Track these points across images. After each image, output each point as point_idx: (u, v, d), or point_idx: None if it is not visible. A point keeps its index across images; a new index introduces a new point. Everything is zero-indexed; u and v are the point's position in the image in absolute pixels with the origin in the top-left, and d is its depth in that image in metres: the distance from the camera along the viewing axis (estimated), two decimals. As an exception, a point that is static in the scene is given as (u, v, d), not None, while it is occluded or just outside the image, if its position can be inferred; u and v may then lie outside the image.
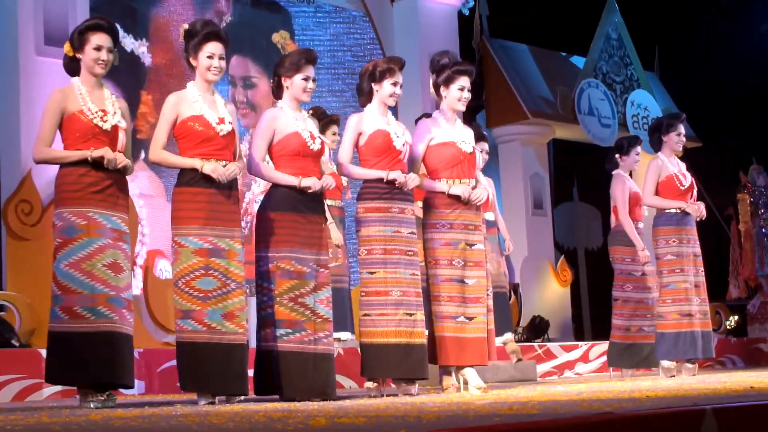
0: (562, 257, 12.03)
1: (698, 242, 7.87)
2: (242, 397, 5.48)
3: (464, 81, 6.27)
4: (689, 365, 7.81)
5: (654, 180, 7.83)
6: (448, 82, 6.27)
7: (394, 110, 6.38)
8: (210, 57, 5.50)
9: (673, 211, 7.78)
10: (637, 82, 13.19)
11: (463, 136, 6.29)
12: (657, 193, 7.84)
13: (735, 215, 13.05)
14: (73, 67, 5.42)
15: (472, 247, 6.20)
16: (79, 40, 5.35)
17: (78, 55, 5.37)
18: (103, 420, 3.92)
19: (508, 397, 5.04)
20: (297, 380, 5.52)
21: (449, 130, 6.25)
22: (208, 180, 5.39)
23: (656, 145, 8.02)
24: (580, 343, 10.49)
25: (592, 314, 15.04)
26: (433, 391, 6.27)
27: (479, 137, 7.88)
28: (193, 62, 5.55)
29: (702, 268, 7.87)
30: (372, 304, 5.94)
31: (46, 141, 5.31)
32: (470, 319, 6.13)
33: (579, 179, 15.08)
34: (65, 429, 3.45)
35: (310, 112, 7.46)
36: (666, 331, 7.77)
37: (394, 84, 6.05)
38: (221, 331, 5.33)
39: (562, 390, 5.85)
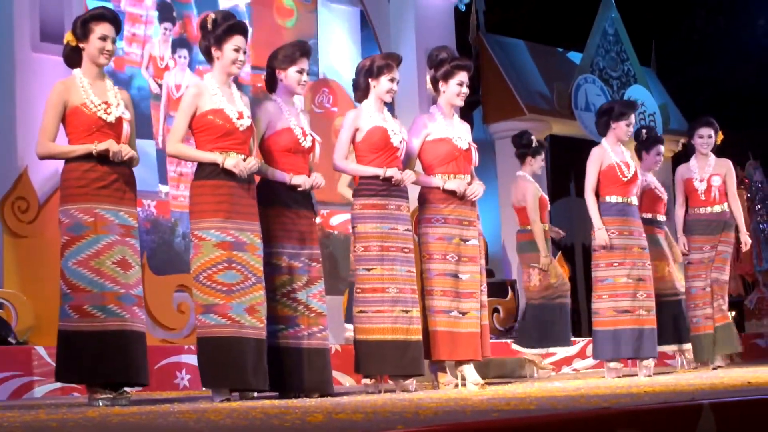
0: (560, 253, 11.99)
1: (644, 234, 7.41)
2: (255, 394, 5.46)
3: (463, 76, 6.28)
4: (646, 363, 7.25)
5: (596, 170, 7.37)
6: (446, 77, 6.28)
7: (390, 105, 6.36)
8: (236, 50, 5.45)
9: (613, 200, 7.32)
10: (634, 77, 13.18)
11: (459, 132, 6.29)
12: (598, 183, 7.36)
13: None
14: (73, 58, 5.35)
15: (467, 243, 6.22)
16: (82, 29, 5.28)
17: (81, 45, 5.30)
18: (100, 417, 3.92)
19: (505, 393, 5.04)
20: (293, 376, 5.51)
21: (445, 126, 6.26)
22: (227, 173, 5.34)
23: (602, 130, 7.52)
24: (577, 339, 10.47)
25: (589, 310, 15.01)
26: (429, 387, 6.27)
27: (656, 140, 8.31)
28: (215, 53, 5.48)
29: (648, 261, 7.39)
30: (368, 301, 5.93)
31: (49, 135, 5.23)
32: (463, 314, 6.14)
33: (576, 175, 15.06)
34: (62, 426, 3.44)
35: None
36: (600, 329, 7.31)
37: (391, 80, 6.04)
38: (245, 325, 5.29)
39: (560, 386, 5.85)
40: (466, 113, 11.34)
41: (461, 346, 6.12)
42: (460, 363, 6.18)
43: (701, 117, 8.30)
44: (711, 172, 8.05)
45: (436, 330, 6.13)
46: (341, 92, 10.87)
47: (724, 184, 8.09)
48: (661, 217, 8.33)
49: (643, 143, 8.38)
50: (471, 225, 6.27)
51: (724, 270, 8.07)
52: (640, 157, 8.37)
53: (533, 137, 8.71)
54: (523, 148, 8.65)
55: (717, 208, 8.05)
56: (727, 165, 8.13)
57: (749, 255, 12.71)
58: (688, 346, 8.29)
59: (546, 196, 8.68)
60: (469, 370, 6.13)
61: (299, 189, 5.65)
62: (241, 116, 5.43)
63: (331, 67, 10.86)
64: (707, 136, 8.06)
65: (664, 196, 8.39)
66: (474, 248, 6.25)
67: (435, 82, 6.35)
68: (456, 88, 6.29)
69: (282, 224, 5.63)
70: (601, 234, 7.26)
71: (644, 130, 8.44)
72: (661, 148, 8.37)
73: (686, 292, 8.13)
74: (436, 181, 6.20)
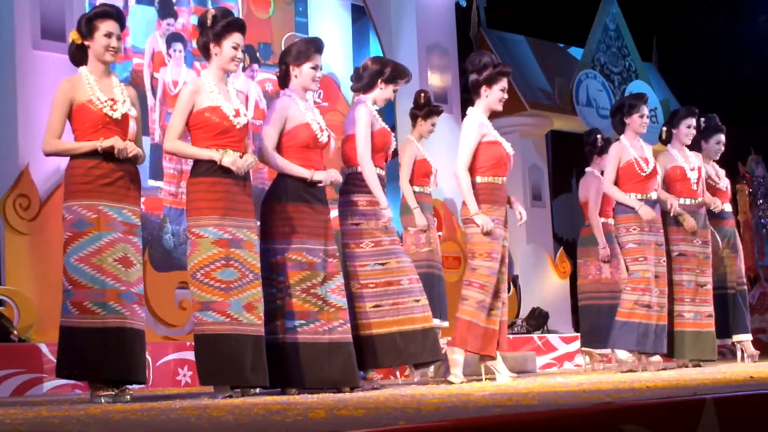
0: (561, 249, 12.01)
1: (662, 231, 7.48)
2: (257, 390, 5.46)
3: (505, 82, 6.42)
4: (654, 359, 7.41)
5: (614, 166, 7.43)
6: (490, 83, 6.38)
7: (391, 102, 6.42)
8: (235, 47, 5.46)
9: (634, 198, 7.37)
10: (635, 72, 13.17)
11: (502, 138, 6.41)
12: (617, 179, 7.44)
13: (734, 206, 13.02)
14: (78, 56, 5.35)
15: (503, 242, 6.35)
16: (87, 27, 5.29)
17: (86, 43, 5.31)
18: (102, 414, 3.91)
19: (507, 389, 5.03)
20: (312, 371, 5.51)
21: (494, 131, 6.38)
22: (224, 170, 5.35)
23: (619, 128, 7.61)
24: (579, 334, 10.47)
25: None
26: (439, 379, 6.27)
27: (716, 129, 8.27)
28: (213, 50, 5.49)
29: (664, 258, 7.48)
30: (388, 294, 6.00)
31: (55, 132, 5.24)
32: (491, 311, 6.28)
33: (577, 170, 15.06)
34: (64, 423, 3.45)
35: (423, 95, 7.51)
36: (620, 320, 7.39)
37: (394, 91, 6.18)
38: (243, 322, 5.30)
39: (562, 381, 5.85)
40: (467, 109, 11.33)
41: (491, 342, 6.24)
42: (483, 358, 6.32)
43: (686, 106, 8.16)
44: (697, 162, 7.92)
45: (471, 321, 6.22)
46: (332, 87, 10.81)
47: None
48: (727, 207, 8.31)
49: (702, 132, 8.25)
50: (506, 225, 6.42)
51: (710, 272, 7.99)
52: (699, 148, 8.29)
53: (599, 136, 8.67)
54: (588, 146, 8.65)
55: (701, 200, 7.91)
56: (700, 157, 8.07)
57: (751, 250, 12.71)
58: (743, 337, 8.26)
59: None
60: (502, 365, 6.33)
61: (319, 185, 5.67)
62: (237, 114, 5.44)
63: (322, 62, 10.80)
64: (693, 126, 7.94)
65: (721, 184, 8.33)
66: (505, 248, 6.40)
67: (477, 86, 6.40)
68: (499, 93, 6.40)
69: (300, 220, 5.64)
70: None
71: (702, 119, 8.29)
72: (722, 136, 8.29)
73: (677, 284, 7.83)
74: (472, 206, 6.23)
